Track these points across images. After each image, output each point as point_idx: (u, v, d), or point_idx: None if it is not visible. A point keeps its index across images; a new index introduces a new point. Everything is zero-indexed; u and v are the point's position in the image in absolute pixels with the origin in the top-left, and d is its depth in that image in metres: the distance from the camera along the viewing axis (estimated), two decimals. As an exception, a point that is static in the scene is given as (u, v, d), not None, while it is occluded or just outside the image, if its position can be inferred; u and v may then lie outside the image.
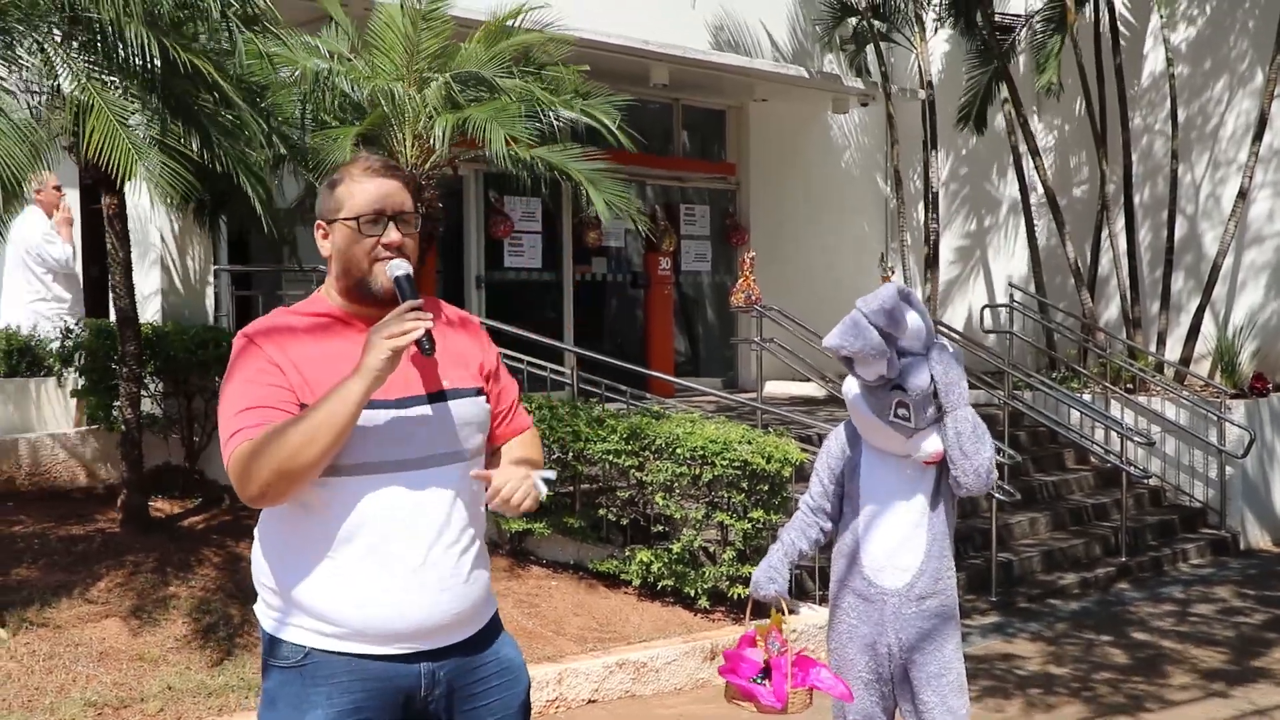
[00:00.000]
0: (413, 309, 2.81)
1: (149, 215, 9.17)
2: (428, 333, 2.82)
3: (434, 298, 3.16)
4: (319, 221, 3.04)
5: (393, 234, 2.95)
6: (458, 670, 2.99)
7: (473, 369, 3.11)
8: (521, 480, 2.96)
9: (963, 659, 4.44)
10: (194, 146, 6.72)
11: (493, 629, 3.14)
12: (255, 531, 3.09)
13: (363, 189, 2.96)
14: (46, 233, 9.64)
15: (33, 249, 9.57)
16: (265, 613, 3.01)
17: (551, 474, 3.13)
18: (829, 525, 4.50)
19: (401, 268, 2.94)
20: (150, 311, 9.63)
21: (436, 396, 2.97)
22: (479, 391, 3.09)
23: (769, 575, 4.40)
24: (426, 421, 2.94)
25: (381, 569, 2.86)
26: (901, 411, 4.22)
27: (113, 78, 6.50)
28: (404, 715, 2.94)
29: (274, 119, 7.31)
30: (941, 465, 4.30)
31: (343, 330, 2.98)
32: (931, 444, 4.25)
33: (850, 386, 4.37)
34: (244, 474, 2.77)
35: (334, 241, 2.99)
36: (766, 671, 4.17)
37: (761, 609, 4.46)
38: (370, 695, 2.89)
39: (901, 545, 4.33)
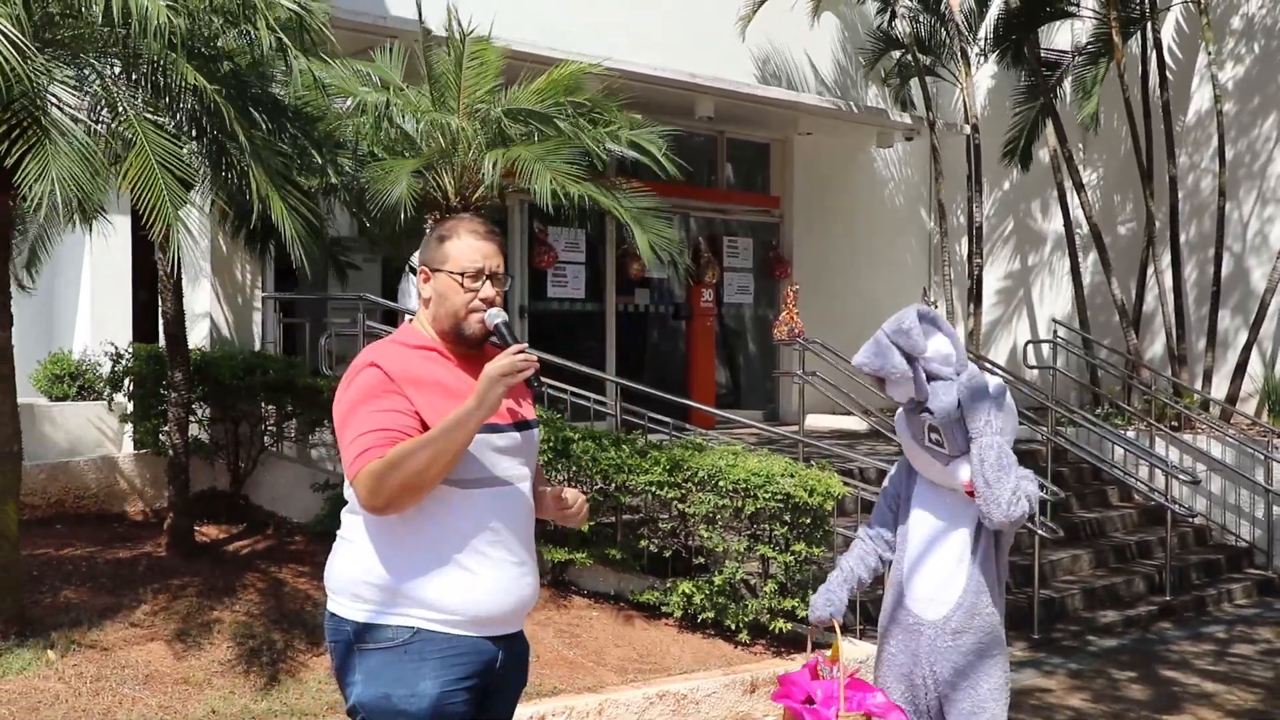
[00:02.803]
0: (520, 352, 3.29)
1: (198, 242, 9.28)
2: (535, 373, 3.34)
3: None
4: (422, 267, 3.50)
5: (489, 290, 3.45)
6: (514, 645, 3.53)
7: (530, 403, 3.67)
8: (583, 498, 3.69)
9: (1003, 700, 4.37)
10: (235, 181, 6.79)
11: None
12: (345, 535, 3.48)
13: (469, 248, 3.44)
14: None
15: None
16: (357, 606, 3.39)
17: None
18: (889, 553, 4.52)
19: (500, 315, 3.45)
20: (198, 337, 9.75)
21: (522, 425, 3.53)
22: (539, 422, 3.72)
23: (826, 599, 4.45)
24: (514, 446, 3.48)
25: (486, 564, 3.37)
26: (934, 436, 4.25)
27: (161, 117, 6.57)
28: (481, 683, 3.43)
29: (325, 149, 7.39)
30: None
31: (444, 362, 3.45)
32: (966, 472, 4.26)
33: (899, 426, 4.43)
34: (374, 487, 3.21)
35: (436, 287, 3.46)
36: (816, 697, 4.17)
37: (823, 645, 4.47)
38: (470, 666, 3.37)
39: (944, 577, 4.33)
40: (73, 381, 9.58)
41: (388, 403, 3.30)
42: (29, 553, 8.01)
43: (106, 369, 9.42)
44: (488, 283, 3.46)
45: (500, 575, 3.41)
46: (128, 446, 9.59)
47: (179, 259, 6.89)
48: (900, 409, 4.43)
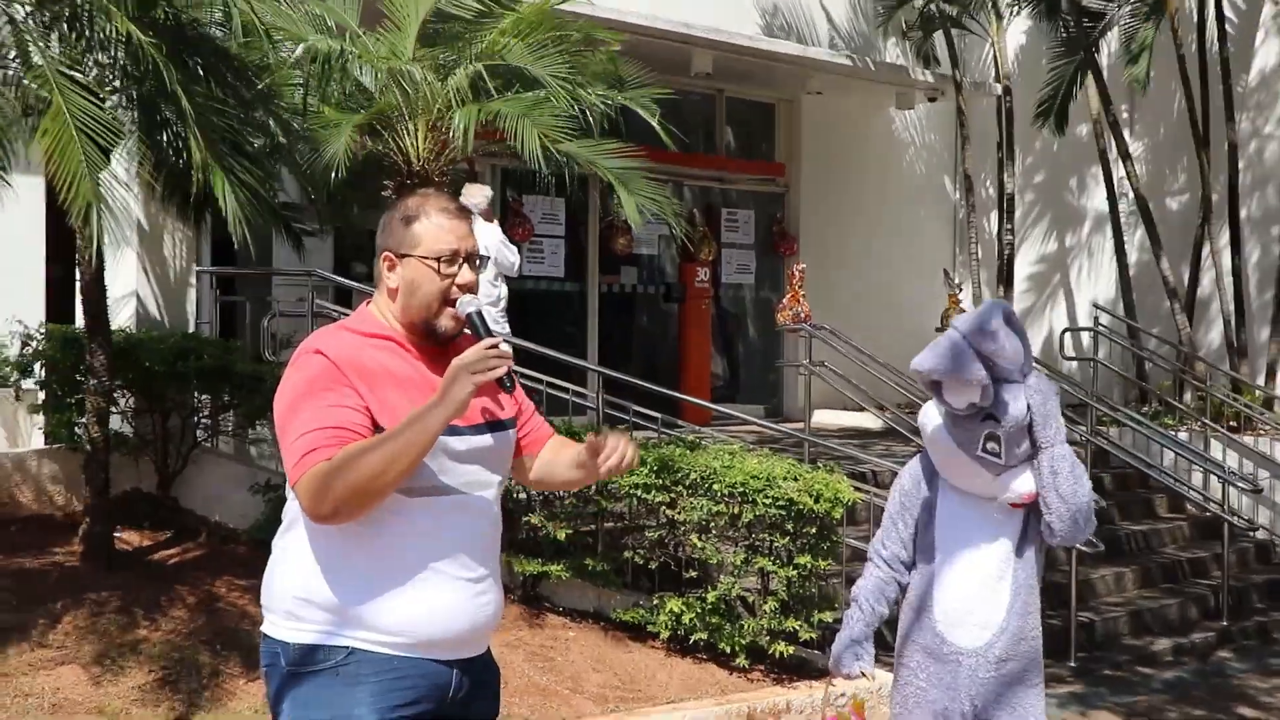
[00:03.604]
0: (493, 346, 3.21)
1: (121, 213, 9.18)
2: (508, 370, 3.27)
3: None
4: (386, 253, 3.41)
5: (468, 275, 3.38)
6: (474, 669, 3.44)
7: (510, 401, 3.57)
8: (624, 440, 3.45)
9: None
10: (170, 145, 6.71)
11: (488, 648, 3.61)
12: (281, 545, 3.43)
13: (441, 228, 3.38)
14: (504, 240, 11.13)
15: (493, 251, 10.61)
16: (292, 627, 3.33)
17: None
18: (906, 577, 4.43)
19: (473, 304, 3.37)
20: (122, 317, 9.67)
21: (489, 427, 3.44)
22: (514, 422, 3.59)
23: (854, 651, 4.37)
24: (477, 450, 3.39)
25: (436, 582, 3.31)
26: (991, 445, 4.16)
27: (81, 71, 6.47)
28: (432, 712, 3.36)
29: (270, 105, 7.31)
30: (1030, 508, 4.24)
31: (404, 354, 3.38)
32: (1023, 483, 4.19)
33: (929, 416, 4.32)
34: (319, 492, 3.14)
35: (405, 275, 3.39)
36: None
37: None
38: (414, 691, 3.30)
39: (981, 598, 4.25)
40: (-27, 366, 9.49)
41: (336, 397, 3.23)
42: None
43: (14, 351, 9.32)
44: (464, 266, 3.39)
45: (452, 594, 3.34)
46: (37, 440, 9.50)
47: (99, 229, 6.82)
48: (929, 411, 4.34)
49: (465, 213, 3.46)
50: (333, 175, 8.06)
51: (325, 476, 3.13)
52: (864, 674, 4.31)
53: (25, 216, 9.71)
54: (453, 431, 3.29)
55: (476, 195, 10.90)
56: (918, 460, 4.50)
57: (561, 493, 8.39)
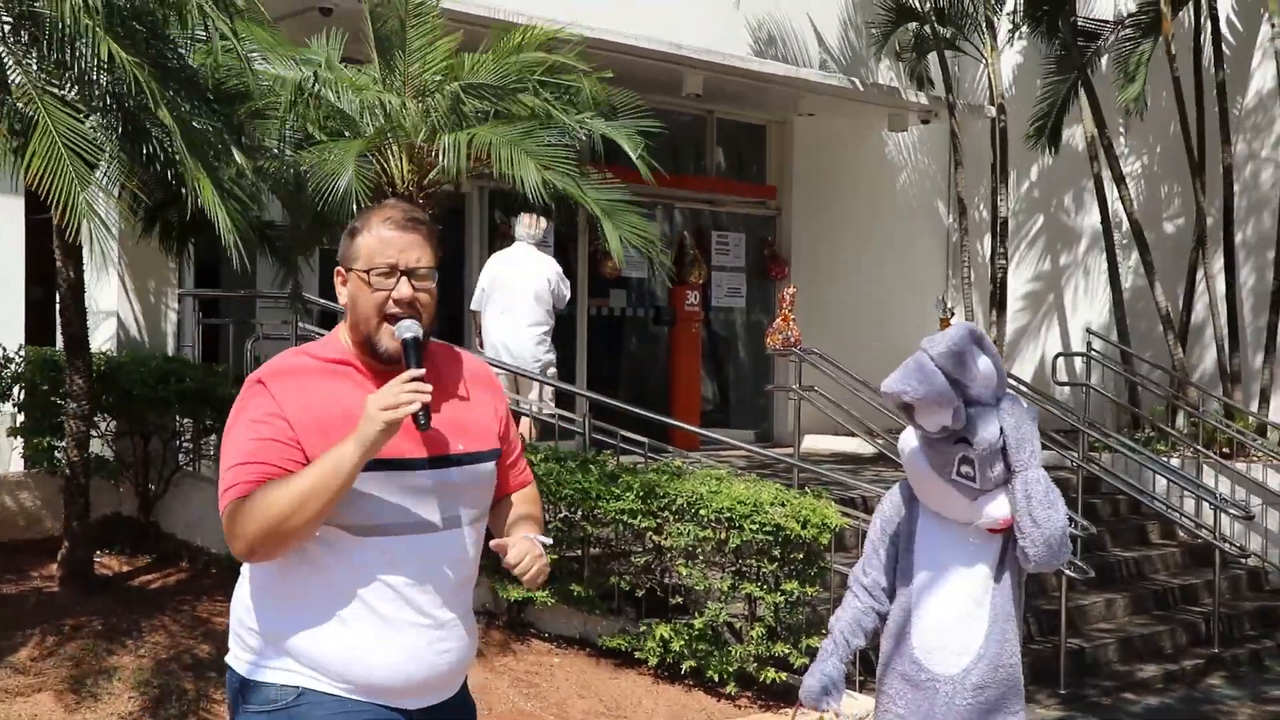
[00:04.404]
0: (412, 379, 3.09)
1: (108, 231, 9.23)
2: (425, 407, 3.10)
3: (451, 348, 3.52)
4: (338, 268, 3.35)
5: (403, 289, 3.24)
6: (440, 715, 3.35)
7: (492, 430, 3.46)
8: (536, 559, 3.34)
9: None
10: (158, 166, 6.76)
11: (466, 689, 3.53)
12: (244, 572, 3.38)
13: (379, 241, 3.27)
14: (562, 274, 11.32)
15: (552, 287, 11.07)
16: (247, 659, 3.29)
17: (549, 540, 3.49)
18: (886, 606, 4.44)
19: (411, 330, 3.22)
20: (103, 338, 9.70)
21: (446, 460, 3.30)
22: (495, 453, 3.45)
23: (823, 684, 4.37)
24: (434, 487, 3.27)
25: (386, 628, 3.21)
26: (965, 469, 4.19)
27: (63, 90, 6.53)
28: None
29: (248, 130, 7.35)
30: (1008, 534, 4.27)
31: (358, 379, 3.28)
32: (998, 508, 4.21)
33: (907, 440, 4.35)
34: (234, 532, 3.12)
35: (348, 291, 3.31)
36: None
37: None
38: None
39: (958, 624, 4.27)
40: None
41: (266, 429, 3.15)
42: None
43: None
44: (404, 280, 3.25)
45: (405, 640, 3.22)
46: (16, 464, 9.52)
47: (79, 247, 6.86)
48: (907, 435, 4.38)
49: (417, 224, 3.33)
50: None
51: (237, 516, 3.09)
52: (834, 713, 4.32)
53: (4, 238, 9.77)
54: (405, 465, 3.20)
55: (534, 227, 11.17)
56: (899, 487, 4.53)
57: (546, 517, 8.42)
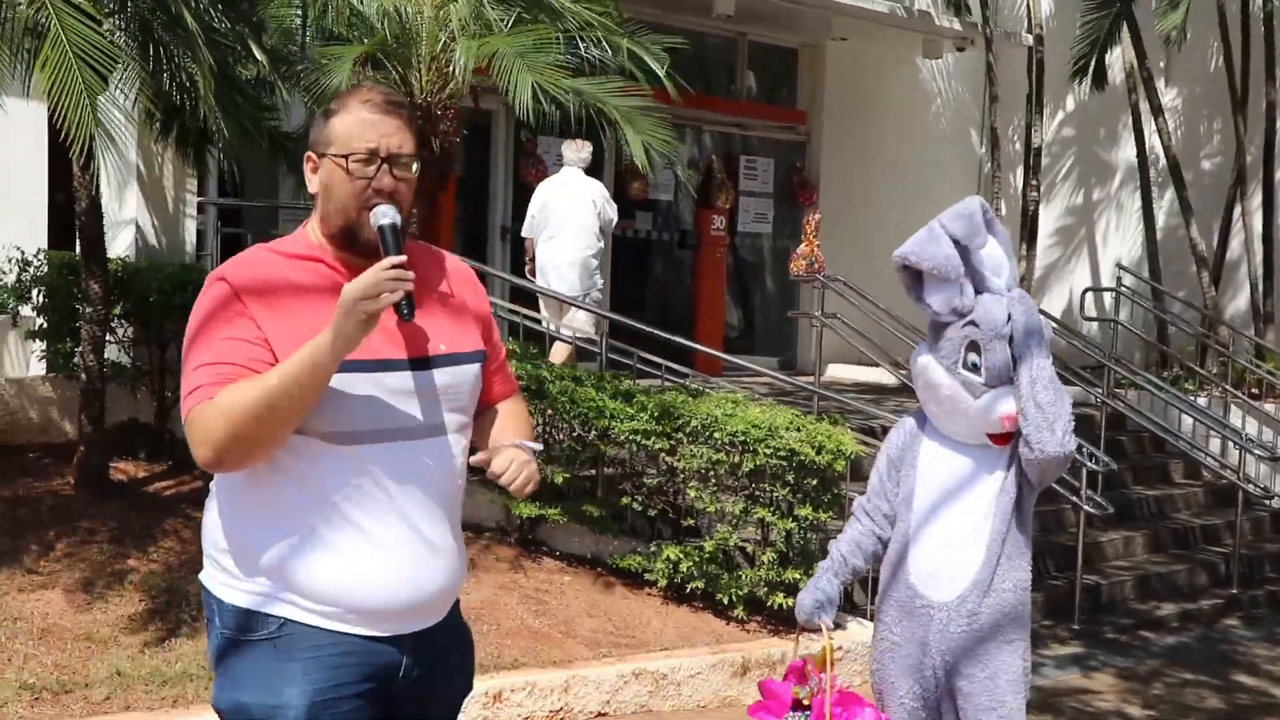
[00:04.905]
0: (393, 266, 2.87)
1: (125, 133, 9.22)
2: (408, 296, 2.91)
3: (431, 248, 3.33)
4: (309, 153, 3.12)
5: (384, 178, 3.03)
6: (430, 644, 3.16)
7: (476, 332, 3.26)
8: (524, 466, 3.15)
9: (1023, 693, 4.33)
10: (167, 71, 6.71)
11: (457, 611, 3.34)
12: (213, 489, 3.18)
13: (358, 124, 3.04)
14: (608, 198, 11.47)
15: (600, 211, 11.19)
16: (226, 582, 3.10)
17: (538, 446, 3.30)
18: (889, 532, 4.41)
19: (387, 216, 3.00)
20: (122, 245, 9.70)
21: (428, 362, 3.10)
22: (479, 355, 3.25)
23: (816, 599, 4.33)
24: (415, 389, 3.07)
25: (369, 545, 3.01)
26: (972, 358, 4.17)
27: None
28: (376, 692, 3.08)
29: (266, 32, 7.29)
30: (1012, 456, 4.25)
31: (328, 275, 3.05)
32: (1004, 403, 4.17)
33: (918, 353, 4.36)
34: (199, 437, 2.88)
35: (321, 178, 3.08)
36: (798, 705, 4.13)
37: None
38: (349, 670, 3.03)
39: (955, 550, 4.25)
40: (-29, 293, 9.53)
41: (229, 329, 2.93)
42: (-83, 486, 8.04)
43: (12, 278, 9.36)
44: (385, 168, 3.03)
45: (392, 558, 3.03)
46: (37, 368, 9.56)
47: (93, 152, 6.84)
48: (922, 354, 4.37)
49: (395, 106, 3.10)
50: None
51: (205, 420, 2.86)
52: (824, 627, 4.27)
53: (27, 144, 9.75)
54: (386, 366, 3.01)
55: (583, 151, 11.24)
56: (909, 416, 4.53)
57: (560, 435, 8.43)
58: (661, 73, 8.93)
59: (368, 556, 3.01)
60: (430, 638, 3.15)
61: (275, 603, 3.02)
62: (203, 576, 3.17)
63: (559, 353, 10.64)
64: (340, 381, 2.92)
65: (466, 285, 3.32)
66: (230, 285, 2.97)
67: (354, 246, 3.05)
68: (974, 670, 4.24)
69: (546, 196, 11.22)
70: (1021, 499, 4.30)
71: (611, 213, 11.42)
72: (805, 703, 4.10)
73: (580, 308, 10.72)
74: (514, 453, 3.16)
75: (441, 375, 3.11)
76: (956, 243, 4.18)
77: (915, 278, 4.30)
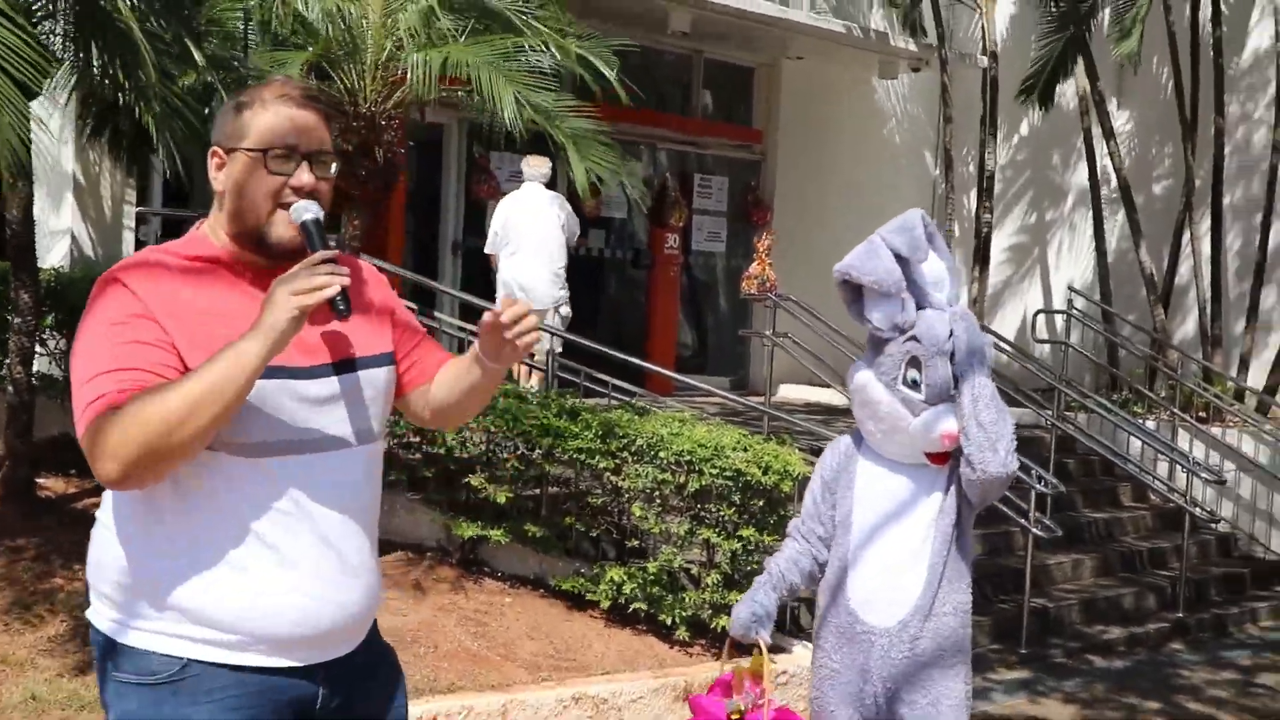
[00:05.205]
0: (325, 260, 2.68)
1: (59, 139, 9.01)
2: (344, 291, 2.69)
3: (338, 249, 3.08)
4: (214, 147, 2.86)
5: (304, 175, 2.82)
6: (349, 672, 2.93)
7: (385, 329, 3.05)
8: (524, 310, 2.93)
9: (965, 718, 4.21)
10: (102, 70, 6.52)
11: (376, 635, 3.12)
12: (100, 516, 2.91)
13: (275, 118, 2.82)
14: (571, 212, 11.51)
15: (564, 225, 11.27)
16: (106, 612, 2.84)
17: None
18: (824, 554, 4.26)
19: (309, 211, 2.81)
20: (57, 256, 9.50)
21: (346, 365, 2.90)
22: (390, 358, 3.05)
23: (752, 612, 4.16)
24: (334, 396, 2.86)
25: (282, 566, 2.77)
26: (912, 375, 4.05)
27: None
28: None
29: (207, 37, 7.10)
30: (951, 476, 4.11)
31: (230, 280, 2.83)
32: (944, 422, 4.04)
33: (856, 368, 4.23)
34: (104, 449, 2.58)
35: (230, 174, 2.84)
36: None
37: (743, 648, 4.26)
38: (260, 709, 2.79)
39: (894, 575, 4.11)
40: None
41: (132, 331, 2.67)
42: None
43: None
44: (304, 165, 2.82)
45: (305, 579, 2.79)
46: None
47: (25, 157, 6.63)
48: (860, 371, 4.23)
49: (313, 101, 2.90)
50: None
51: (111, 429, 2.57)
52: (761, 641, 4.12)
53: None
54: (299, 373, 2.79)
55: (543, 166, 11.21)
56: (844, 437, 4.38)
57: (503, 454, 8.24)
58: (612, 76, 8.75)
59: (280, 578, 2.76)
60: (348, 663, 2.91)
61: (177, 641, 2.75)
62: (90, 614, 2.89)
63: (525, 375, 10.54)
64: (256, 388, 2.69)
65: (373, 283, 3.10)
66: (127, 286, 2.72)
67: (262, 248, 2.83)
68: (916, 697, 4.12)
69: (509, 212, 11.12)
70: (961, 520, 4.17)
71: (574, 226, 11.40)
72: (740, 718, 3.96)
73: (549, 331, 10.54)
74: (507, 299, 2.97)
75: (355, 380, 2.92)
76: (898, 256, 4.06)
77: (855, 293, 4.18)
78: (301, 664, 2.82)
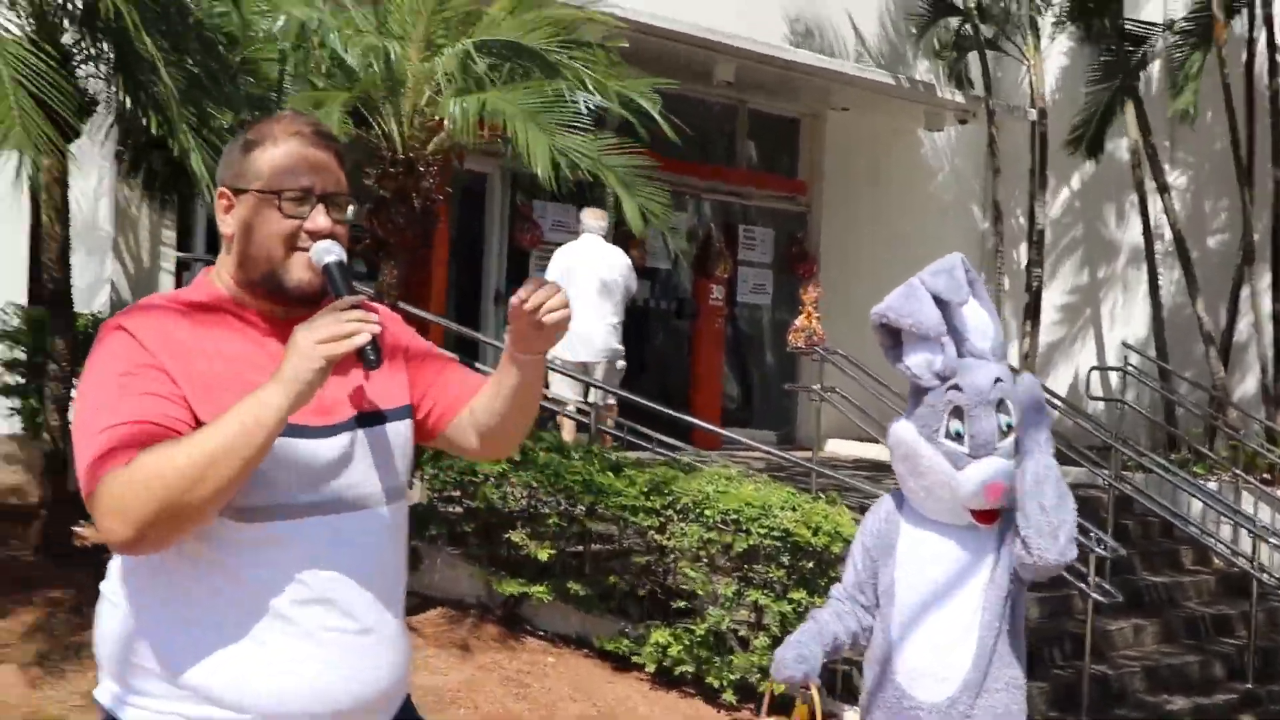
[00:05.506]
0: (353, 307, 2.48)
1: (97, 186, 8.94)
2: (374, 339, 2.49)
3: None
4: (222, 188, 2.66)
5: (320, 219, 2.62)
6: None
7: (401, 379, 2.84)
8: (553, 292, 2.75)
9: None
10: (139, 110, 6.43)
11: (409, 708, 2.88)
12: (103, 588, 2.70)
13: (288, 157, 2.63)
14: (630, 266, 11.34)
15: (623, 278, 11.12)
16: (116, 692, 2.63)
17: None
18: (868, 620, 4.03)
19: (331, 253, 2.60)
20: (98, 302, 9.40)
21: (367, 419, 2.70)
22: (409, 410, 2.83)
23: (798, 654, 3.88)
24: (351, 453, 2.65)
25: (303, 638, 2.57)
26: (954, 426, 3.81)
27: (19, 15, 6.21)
28: None
29: (242, 78, 6.99)
30: (1000, 539, 3.88)
31: (239, 327, 2.64)
32: (992, 476, 3.77)
33: (897, 425, 4.00)
34: (116, 511, 2.37)
35: (240, 216, 2.64)
36: None
37: (784, 707, 4.04)
38: None
39: (945, 649, 3.87)
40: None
41: (141, 383, 2.46)
42: None
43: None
44: (320, 208, 2.62)
45: (323, 653, 2.58)
46: (4, 427, 9.21)
47: (63, 199, 6.54)
48: (901, 424, 4.02)
49: (327, 140, 2.71)
50: None
51: (122, 489, 2.36)
52: (806, 678, 3.83)
53: (7, 199, 9.48)
54: (306, 433, 2.56)
55: (602, 220, 11.12)
56: (887, 498, 4.13)
57: (545, 509, 8.06)
58: (655, 111, 8.58)
59: (294, 652, 2.55)
60: None
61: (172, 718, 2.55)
62: (97, 694, 2.68)
63: (569, 429, 10.36)
64: (275, 445, 2.47)
65: (391, 327, 2.86)
66: (133, 334, 2.52)
67: (276, 294, 2.63)
68: None
69: (568, 262, 10.94)
70: (1013, 592, 3.94)
71: (634, 282, 11.27)
72: None
73: (599, 386, 10.38)
74: (534, 280, 2.75)
75: (373, 436, 2.71)
76: (938, 300, 3.85)
77: (894, 337, 3.92)
78: None
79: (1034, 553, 3.72)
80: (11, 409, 9.02)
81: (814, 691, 3.86)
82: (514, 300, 2.72)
